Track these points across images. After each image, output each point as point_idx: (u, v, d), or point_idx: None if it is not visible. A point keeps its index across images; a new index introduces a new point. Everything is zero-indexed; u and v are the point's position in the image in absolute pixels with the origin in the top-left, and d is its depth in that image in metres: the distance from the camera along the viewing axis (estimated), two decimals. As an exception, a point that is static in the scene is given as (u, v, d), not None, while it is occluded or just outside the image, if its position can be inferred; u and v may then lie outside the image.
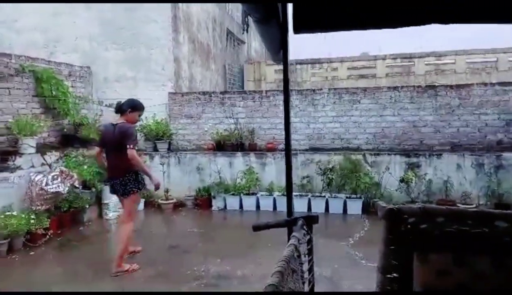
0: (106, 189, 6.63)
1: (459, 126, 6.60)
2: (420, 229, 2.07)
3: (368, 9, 2.25)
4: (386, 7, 2.21)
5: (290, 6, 2.35)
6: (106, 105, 7.44)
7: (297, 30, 2.66)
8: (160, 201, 7.09)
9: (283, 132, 7.54)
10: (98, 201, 6.71)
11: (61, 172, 5.86)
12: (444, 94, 6.63)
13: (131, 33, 8.00)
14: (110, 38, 8.10)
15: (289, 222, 2.33)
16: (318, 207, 6.53)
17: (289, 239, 1.93)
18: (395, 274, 2.10)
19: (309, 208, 6.59)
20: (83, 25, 8.20)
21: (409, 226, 2.08)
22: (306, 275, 2.16)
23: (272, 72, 12.43)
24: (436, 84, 7.22)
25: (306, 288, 2.12)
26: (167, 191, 7.12)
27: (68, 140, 7.04)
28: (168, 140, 7.69)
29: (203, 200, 7.06)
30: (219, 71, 11.07)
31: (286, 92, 2.84)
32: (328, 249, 4.75)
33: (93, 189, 6.56)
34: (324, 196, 6.61)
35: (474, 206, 5.98)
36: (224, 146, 7.31)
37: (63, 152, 6.62)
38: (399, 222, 2.10)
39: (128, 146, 4.09)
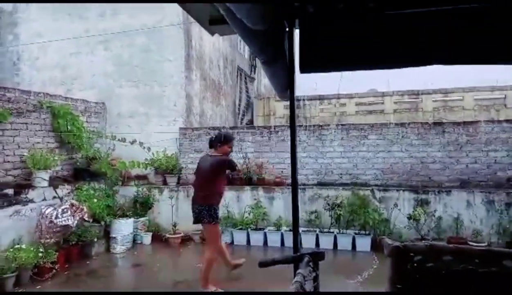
0: (115, 222, 6.69)
1: (468, 163, 6.58)
2: (427, 268, 2.06)
3: (372, 50, 2.35)
4: (389, 48, 2.32)
5: (296, 47, 2.47)
6: (118, 140, 7.63)
7: (303, 70, 2.79)
8: (167, 235, 7.09)
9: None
10: (107, 235, 6.74)
11: (72, 205, 5.94)
12: (451, 131, 6.67)
13: (145, 71, 8.32)
14: (125, 76, 8.43)
15: (295, 258, 2.34)
16: (326, 243, 6.45)
17: (295, 276, 1.95)
18: (401, 314, 2.08)
19: (317, 244, 6.51)
20: (100, 63, 8.57)
21: (415, 264, 2.08)
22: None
23: (281, 107, 12.64)
24: (444, 120, 7.29)
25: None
26: (174, 225, 7.14)
27: (80, 173, 7.19)
28: (177, 174, 7.79)
29: (210, 235, 7.02)
30: (229, 107, 11.32)
31: (293, 128, 2.92)
32: (336, 287, 4.68)
33: (102, 223, 6.62)
34: (333, 232, 6.55)
35: (485, 244, 5.86)
36: (232, 180, 7.36)
37: (75, 185, 6.75)
38: (405, 260, 2.10)
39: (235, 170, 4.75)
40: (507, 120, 6.67)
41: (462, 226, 6.16)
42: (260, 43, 2.36)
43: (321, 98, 12.97)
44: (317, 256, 2.34)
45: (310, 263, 2.30)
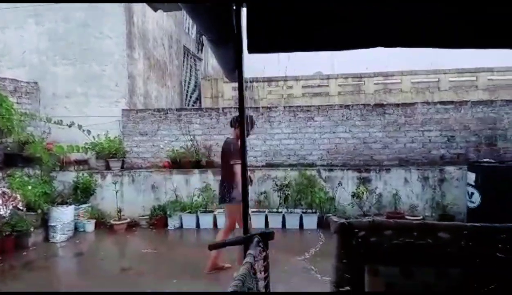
0: (54, 210, 6.29)
1: (406, 142, 6.99)
2: (370, 242, 2.15)
3: (318, 32, 2.36)
4: (335, 30, 2.33)
5: (244, 27, 2.40)
6: (54, 122, 7.11)
7: (251, 50, 2.73)
8: (112, 222, 6.81)
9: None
10: (45, 224, 6.33)
11: (3, 193, 5.47)
12: (391, 112, 7.02)
13: (83, 49, 7.77)
14: (60, 53, 7.82)
15: (246, 239, 2.33)
16: (275, 222, 6.58)
17: (245, 257, 1.94)
18: (347, 288, 2.16)
19: (266, 224, 6.62)
20: (32, 39, 7.86)
21: (359, 240, 2.16)
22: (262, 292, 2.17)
23: (229, 89, 12.51)
24: (384, 102, 7.62)
25: (262, 306, 2.13)
26: (120, 210, 6.87)
27: (12, 159, 6.63)
28: (121, 159, 7.46)
29: (158, 219, 6.86)
30: (176, 88, 10.98)
31: (242, 110, 2.87)
32: (285, 265, 4.79)
33: (39, 211, 6.18)
34: (281, 212, 6.68)
35: (420, 217, 6.33)
36: (180, 163, 7.21)
37: (5, 172, 6.21)
38: (350, 236, 2.17)
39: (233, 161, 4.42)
40: (440, 102, 7.15)
41: (400, 202, 6.58)
42: (206, 21, 2.26)
43: (269, 80, 13.01)
44: (266, 236, 2.35)
45: (260, 243, 2.31)
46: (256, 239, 2.28)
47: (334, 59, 16.88)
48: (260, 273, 2.21)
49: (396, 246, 2.11)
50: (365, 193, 6.51)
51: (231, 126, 4.80)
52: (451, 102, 7.10)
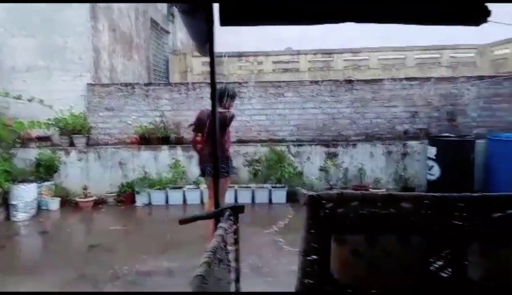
0: (14, 188, 6.06)
1: (372, 118, 7.18)
2: (338, 213, 2.23)
3: (290, 6, 2.35)
4: (308, 3, 2.34)
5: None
6: (14, 97, 6.75)
7: (223, 23, 2.68)
8: (77, 199, 6.65)
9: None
10: (5, 202, 6.09)
11: (-41, 171, 5.19)
12: (359, 88, 7.15)
13: (43, 19, 7.30)
14: (18, 24, 7.31)
15: (217, 213, 2.36)
16: (244, 197, 6.65)
17: (216, 230, 1.97)
18: (314, 256, 2.24)
19: (236, 199, 6.69)
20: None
21: (327, 211, 2.23)
22: (232, 264, 2.22)
23: (199, 64, 12.26)
24: (353, 78, 7.74)
25: (233, 277, 2.18)
26: (85, 188, 6.70)
27: (-33, 136, 6.26)
28: (86, 135, 7.22)
29: (126, 196, 6.77)
30: (143, 62, 10.62)
31: (213, 85, 2.85)
32: (255, 238, 4.90)
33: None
34: (250, 187, 6.76)
35: (384, 190, 6.59)
36: (148, 140, 7.07)
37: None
38: (318, 207, 2.24)
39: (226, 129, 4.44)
40: (406, 79, 7.33)
41: (365, 175, 6.81)
42: None
43: (239, 55, 12.85)
44: (237, 209, 2.40)
45: (231, 217, 2.35)
46: (227, 213, 2.32)
47: (305, 35, 16.89)
48: (231, 245, 2.25)
49: (361, 216, 2.20)
50: (332, 167, 6.69)
51: (221, 100, 4.68)
52: (416, 78, 7.31)
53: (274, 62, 12.99)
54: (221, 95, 4.60)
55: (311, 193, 2.29)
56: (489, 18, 2.68)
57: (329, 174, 6.78)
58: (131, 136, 7.25)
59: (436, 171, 6.31)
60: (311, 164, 6.85)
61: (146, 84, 7.52)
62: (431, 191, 6.39)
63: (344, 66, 12.97)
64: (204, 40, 2.76)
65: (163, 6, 12.03)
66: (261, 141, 7.22)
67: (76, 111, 7.16)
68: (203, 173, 4.68)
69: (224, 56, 12.36)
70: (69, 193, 6.86)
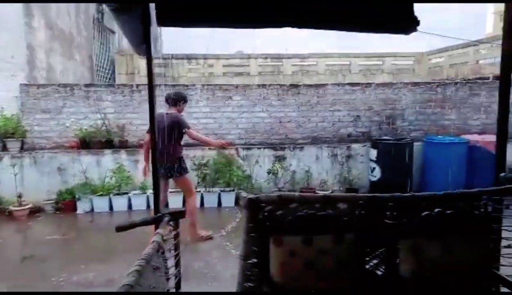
0: None
1: (318, 122, 7.38)
2: (277, 215, 2.25)
3: (230, 9, 2.35)
4: (246, 8, 2.34)
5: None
6: None
7: (160, 23, 2.62)
8: (11, 208, 6.17)
9: (153, 128, 7.08)
10: None
11: None
12: (305, 93, 7.33)
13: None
14: None
15: (156, 219, 2.29)
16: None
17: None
18: (254, 259, 2.24)
19: (184, 204, 6.55)
20: None
21: (266, 213, 2.24)
22: (171, 270, 2.16)
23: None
24: (299, 83, 7.91)
25: (172, 284, 2.12)
26: (20, 196, 6.23)
27: None
28: (20, 139, 6.73)
29: (66, 204, 6.39)
30: (85, 62, 10.14)
31: (151, 87, 2.77)
32: (201, 243, 4.83)
33: None
34: (199, 191, 6.66)
35: (330, 191, 6.80)
36: (90, 144, 6.73)
37: None
38: (258, 210, 2.24)
39: (185, 130, 4.71)
40: (349, 84, 7.63)
41: (312, 177, 6.98)
42: None
43: (188, 57, 12.67)
44: (177, 214, 2.35)
45: (171, 222, 2.29)
46: (166, 218, 2.26)
47: (256, 39, 17.08)
48: (170, 251, 2.19)
49: (299, 217, 2.24)
50: (280, 170, 6.78)
51: (168, 103, 4.92)
52: (358, 84, 7.63)
53: (224, 66, 12.97)
54: (172, 99, 4.88)
55: (250, 195, 2.29)
56: (418, 27, 2.86)
57: (277, 177, 6.87)
58: (71, 140, 6.86)
59: (377, 172, 6.62)
60: (259, 167, 6.89)
61: (87, 85, 7.16)
62: (373, 191, 6.69)
63: (293, 71, 13.26)
64: (139, 41, 2.67)
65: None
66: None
67: (8, 113, 6.65)
68: None
69: (172, 58, 12.16)
70: (2, 200, 6.35)
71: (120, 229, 2.33)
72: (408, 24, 2.66)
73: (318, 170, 7.06)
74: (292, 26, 2.59)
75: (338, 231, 2.25)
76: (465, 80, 8.52)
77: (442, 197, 2.39)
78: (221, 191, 6.71)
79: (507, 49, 2.73)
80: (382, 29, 2.77)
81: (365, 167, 7.02)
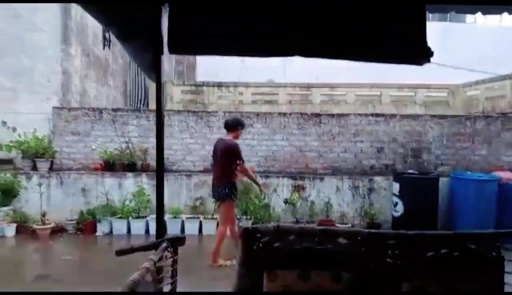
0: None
1: (339, 152, 7.24)
2: (273, 247, 2.18)
3: (239, 37, 2.39)
4: (254, 36, 2.38)
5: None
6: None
7: (172, 50, 2.69)
8: (35, 226, 6.38)
9: (178, 153, 7.45)
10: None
11: None
12: (326, 122, 7.25)
13: (11, 39, 7.28)
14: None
15: (155, 245, 2.28)
16: (209, 229, 6.51)
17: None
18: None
19: (200, 230, 6.54)
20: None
21: (261, 245, 2.18)
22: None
23: (178, 92, 12.31)
24: (321, 112, 7.86)
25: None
26: (44, 214, 6.44)
27: None
28: (50, 159, 7.04)
29: (86, 224, 6.53)
30: (118, 88, 10.61)
31: (159, 113, 2.83)
32: (209, 271, 4.78)
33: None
34: (216, 218, 6.62)
35: (349, 225, 6.56)
36: (114, 166, 6.93)
37: None
38: (253, 241, 2.19)
39: (239, 162, 4.87)
40: (372, 114, 7.49)
41: (332, 209, 6.78)
42: (111, 15, 2.20)
43: (219, 85, 12.98)
44: (176, 241, 2.33)
45: (169, 248, 2.27)
46: (164, 245, 2.24)
47: (287, 67, 17.26)
48: (168, 278, 2.17)
49: (296, 250, 2.16)
50: (298, 200, 6.65)
51: (225, 128, 5.18)
52: (382, 114, 7.47)
53: (253, 94, 13.13)
54: (229, 124, 5.13)
55: (246, 226, 2.25)
56: (431, 59, 2.79)
57: (295, 207, 6.73)
58: (96, 162, 7.10)
59: (400, 207, 6.34)
60: (277, 196, 6.80)
61: (115, 110, 7.46)
62: (396, 226, 6.39)
63: (322, 100, 13.22)
64: (149, 67, 2.76)
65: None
66: (229, 171, 7.16)
67: (41, 134, 7.01)
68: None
69: (203, 85, 12.52)
70: (27, 219, 6.59)
71: (120, 253, 2.33)
72: (422, 54, 2.60)
73: (338, 201, 6.87)
74: (300, 55, 2.59)
75: (336, 268, 2.14)
76: (499, 114, 8.15)
77: (451, 237, 2.24)
78: (237, 219, 6.63)
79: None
80: (395, 59, 2.73)
81: (387, 201, 6.76)
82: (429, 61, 2.75)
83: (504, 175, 6.35)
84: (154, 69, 2.75)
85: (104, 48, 3.88)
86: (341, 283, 2.13)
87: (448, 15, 18.98)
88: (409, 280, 2.14)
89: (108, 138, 7.17)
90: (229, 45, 2.62)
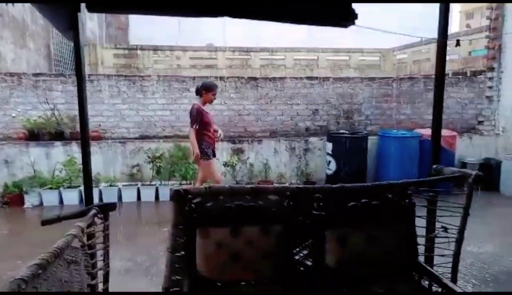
0: None
1: (276, 115, 7.39)
2: (205, 207, 2.22)
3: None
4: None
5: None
6: None
7: (90, 9, 2.52)
8: (-49, 202, 5.84)
9: (110, 120, 7.17)
10: None
11: None
12: (263, 86, 7.30)
13: None
14: None
15: (82, 212, 2.23)
16: (148, 195, 6.41)
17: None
18: (182, 252, 2.21)
19: (139, 197, 6.42)
20: None
21: (193, 206, 2.21)
22: (98, 264, 2.10)
23: (110, 56, 11.56)
24: (257, 76, 7.88)
25: (100, 278, 2.05)
26: (-40, 190, 5.91)
27: None
28: (-37, 130, 6.37)
29: (12, 197, 6.10)
30: (41, 51, 9.70)
31: (79, 76, 2.67)
32: (149, 236, 4.76)
33: None
34: (154, 184, 6.54)
35: (287, 184, 6.84)
36: (39, 135, 6.45)
37: None
38: (185, 202, 2.21)
39: (192, 125, 5.09)
40: (307, 77, 7.67)
41: (270, 170, 6.99)
42: None
43: (155, 49, 12.39)
44: (106, 207, 2.30)
45: (98, 215, 2.23)
46: (93, 211, 2.19)
47: (226, 32, 16.85)
48: (95, 245, 2.13)
49: (227, 208, 2.22)
50: (238, 163, 6.75)
51: (197, 94, 5.28)
52: (316, 78, 7.68)
53: (192, 58, 12.75)
54: (196, 89, 5.27)
55: (178, 188, 2.26)
56: (356, 21, 2.89)
57: (235, 170, 6.84)
58: (19, 131, 6.55)
59: (333, 166, 6.70)
60: (217, 160, 6.82)
61: (36, 75, 6.82)
62: (329, 184, 6.77)
63: (261, 64, 13.21)
64: (66, 27, 2.57)
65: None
66: (166, 137, 7.02)
67: (-51, 103, 6.28)
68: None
69: (137, 48, 11.90)
70: None
71: (46, 222, 2.25)
72: (347, 17, 2.68)
73: (276, 163, 7.08)
74: (229, 16, 2.55)
75: (266, 222, 2.25)
76: (422, 75, 8.76)
77: (370, 188, 2.43)
78: (178, 184, 6.60)
79: (441, 48, 2.81)
80: (322, 22, 2.79)
81: (322, 160, 7.10)
82: (353, 23, 2.86)
83: (424, 132, 6.93)
84: (71, 28, 2.58)
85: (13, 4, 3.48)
86: (270, 235, 2.25)
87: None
88: (333, 228, 2.31)
89: (30, 106, 6.61)
90: (152, 3, 2.51)
